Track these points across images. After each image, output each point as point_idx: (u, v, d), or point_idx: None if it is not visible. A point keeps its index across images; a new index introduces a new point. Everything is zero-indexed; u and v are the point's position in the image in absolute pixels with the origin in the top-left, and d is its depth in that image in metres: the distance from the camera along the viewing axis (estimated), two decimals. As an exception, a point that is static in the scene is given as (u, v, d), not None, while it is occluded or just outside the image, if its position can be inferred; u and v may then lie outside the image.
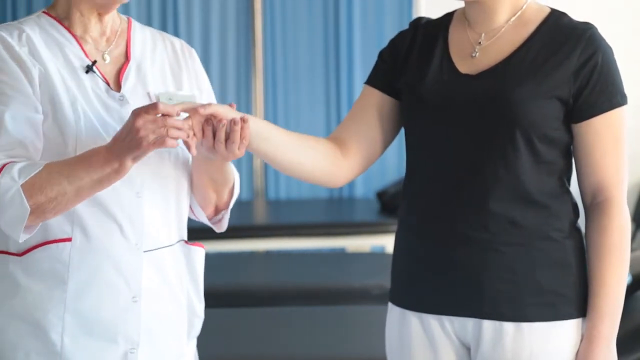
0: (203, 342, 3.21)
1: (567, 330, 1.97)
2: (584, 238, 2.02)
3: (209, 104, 1.86)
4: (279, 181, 5.80)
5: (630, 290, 3.21)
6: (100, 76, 1.98)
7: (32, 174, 1.83)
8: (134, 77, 2.02)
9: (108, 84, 1.99)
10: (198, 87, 2.10)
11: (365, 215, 5.24)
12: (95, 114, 1.94)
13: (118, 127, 1.90)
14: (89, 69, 1.97)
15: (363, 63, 5.73)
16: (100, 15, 2.01)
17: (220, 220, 2.15)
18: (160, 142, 1.80)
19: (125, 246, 1.95)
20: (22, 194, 1.82)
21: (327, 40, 5.85)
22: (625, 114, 1.97)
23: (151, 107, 1.81)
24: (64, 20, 2.00)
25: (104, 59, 2.01)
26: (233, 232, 4.68)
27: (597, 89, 1.94)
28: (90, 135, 1.91)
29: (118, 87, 2.00)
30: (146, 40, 2.08)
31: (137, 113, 1.81)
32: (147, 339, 1.98)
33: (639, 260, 3.51)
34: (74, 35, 1.99)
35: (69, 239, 1.92)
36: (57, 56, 1.96)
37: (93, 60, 1.98)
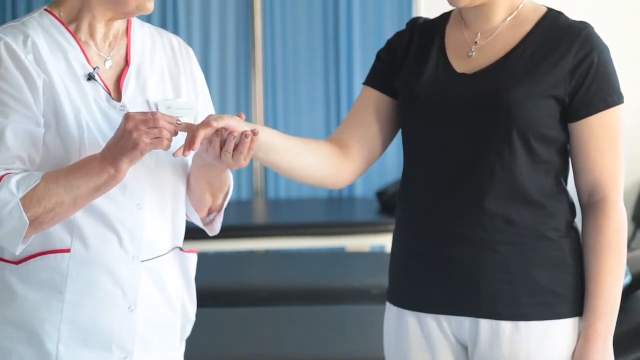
0: (203, 343, 3.21)
1: (564, 330, 1.97)
2: (581, 237, 2.02)
3: (221, 117, 1.84)
4: (279, 181, 5.79)
5: (630, 290, 3.21)
6: (102, 84, 1.95)
7: (31, 188, 1.82)
8: (134, 85, 1.98)
9: (109, 91, 1.95)
10: (195, 91, 2.08)
11: (365, 215, 5.24)
12: (97, 126, 1.91)
13: None
14: (91, 77, 1.93)
15: (363, 63, 5.72)
16: (111, 20, 1.98)
17: (212, 222, 2.13)
18: (157, 142, 1.81)
19: (123, 258, 1.93)
20: (21, 208, 1.81)
21: (327, 40, 5.85)
22: (622, 113, 1.97)
23: (146, 113, 1.81)
24: (70, 24, 1.95)
25: (105, 65, 1.97)
26: (233, 232, 4.70)
27: (593, 88, 1.94)
28: (93, 149, 1.88)
29: (118, 95, 1.97)
30: (145, 41, 2.06)
31: (128, 116, 1.81)
32: (141, 348, 1.97)
33: (639, 260, 3.50)
34: (78, 41, 1.95)
35: (68, 250, 1.91)
36: (60, 63, 1.91)
37: (95, 67, 1.94)
